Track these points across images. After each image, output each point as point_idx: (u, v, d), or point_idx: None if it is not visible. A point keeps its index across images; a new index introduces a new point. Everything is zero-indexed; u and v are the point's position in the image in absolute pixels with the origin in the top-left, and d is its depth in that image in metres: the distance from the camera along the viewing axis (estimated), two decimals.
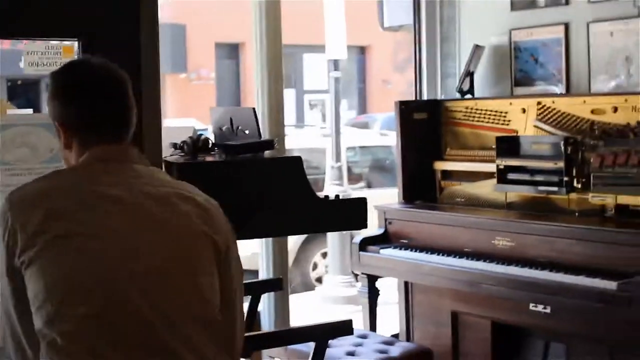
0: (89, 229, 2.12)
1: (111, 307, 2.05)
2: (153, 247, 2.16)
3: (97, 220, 2.14)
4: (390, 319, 5.67)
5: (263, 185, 3.36)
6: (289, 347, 4.26)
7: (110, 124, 2.34)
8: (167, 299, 2.12)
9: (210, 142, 3.55)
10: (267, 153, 3.60)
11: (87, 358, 2.02)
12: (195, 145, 3.49)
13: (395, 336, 5.07)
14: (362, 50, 21.44)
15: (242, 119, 3.67)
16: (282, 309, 4.83)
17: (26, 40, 3.41)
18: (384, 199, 5.82)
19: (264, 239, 4.72)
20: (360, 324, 5.13)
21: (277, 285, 4.24)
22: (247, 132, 3.61)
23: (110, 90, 2.35)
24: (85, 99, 2.32)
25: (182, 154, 3.53)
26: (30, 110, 3.47)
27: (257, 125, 3.58)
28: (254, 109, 3.71)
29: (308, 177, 3.48)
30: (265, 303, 4.79)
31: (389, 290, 5.77)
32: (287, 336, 3.63)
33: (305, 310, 8.30)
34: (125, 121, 2.37)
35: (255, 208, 3.29)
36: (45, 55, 3.46)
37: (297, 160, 3.44)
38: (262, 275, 4.80)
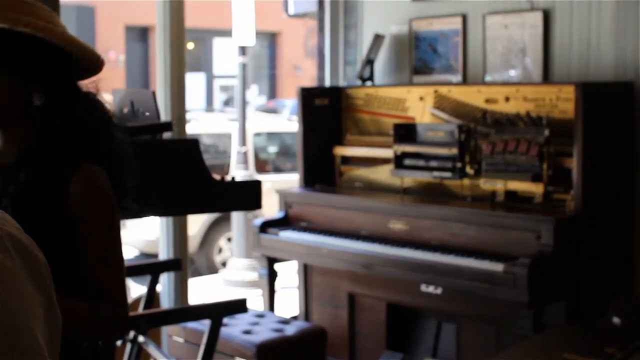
0: None
1: None
2: None
3: None
4: (293, 303, 5.77)
5: (159, 166, 3.42)
6: (187, 325, 4.34)
7: None
8: None
9: None
10: (165, 135, 3.66)
11: None
12: None
13: (295, 317, 5.17)
14: (273, 36, 21.50)
15: (142, 102, 3.72)
16: (181, 290, 4.88)
17: None
18: (290, 184, 5.91)
19: (164, 221, 4.77)
20: (262, 307, 5.23)
21: (176, 265, 4.31)
22: (147, 114, 3.66)
23: None
24: None
25: None
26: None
27: (157, 107, 3.64)
28: (153, 91, 3.77)
29: (215, 161, 3.57)
30: (165, 284, 4.84)
31: (293, 275, 5.88)
32: (182, 313, 3.70)
33: (207, 293, 8.36)
34: None
35: (153, 188, 3.35)
36: None
37: (194, 143, 3.51)
38: (162, 257, 4.85)
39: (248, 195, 3.62)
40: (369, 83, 5.44)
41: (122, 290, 2.20)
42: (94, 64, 2.22)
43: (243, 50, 9.31)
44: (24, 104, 2.12)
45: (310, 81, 18.34)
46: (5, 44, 2.05)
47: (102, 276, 2.16)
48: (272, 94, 21.83)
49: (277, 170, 10.87)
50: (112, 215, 2.21)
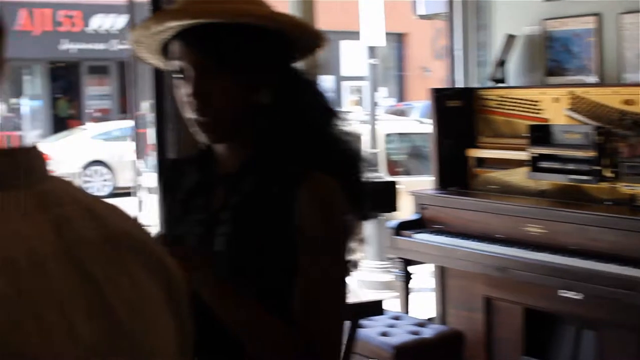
0: None
1: None
2: None
3: None
4: (425, 305, 5.77)
5: None
6: None
7: None
8: None
9: None
10: None
11: None
12: None
13: (430, 320, 5.16)
14: (400, 37, 21.48)
15: None
16: None
17: None
18: (421, 186, 5.90)
19: None
20: (396, 309, 5.24)
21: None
22: None
23: None
24: None
25: None
26: None
27: None
28: None
29: None
30: None
31: (424, 277, 5.87)
32: None
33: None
34: None
35: None
36: None
37: None
38: None
39: (383, 197, 3.63)
40: (501, 84, 5.39)
41: (333, 346, 1.82)
42: (311, 44, 1.91)
43: (372, 51, 9.33)
44: (249, 106, 1.83)
45: (438, 83, 18.17)
46: (221, 40, 1.77)
47: (310, 315, 1.78)
48: (401, 95, 21.81)
49: (408, 172, 10.80)
50: (339, 238, 1.84)
